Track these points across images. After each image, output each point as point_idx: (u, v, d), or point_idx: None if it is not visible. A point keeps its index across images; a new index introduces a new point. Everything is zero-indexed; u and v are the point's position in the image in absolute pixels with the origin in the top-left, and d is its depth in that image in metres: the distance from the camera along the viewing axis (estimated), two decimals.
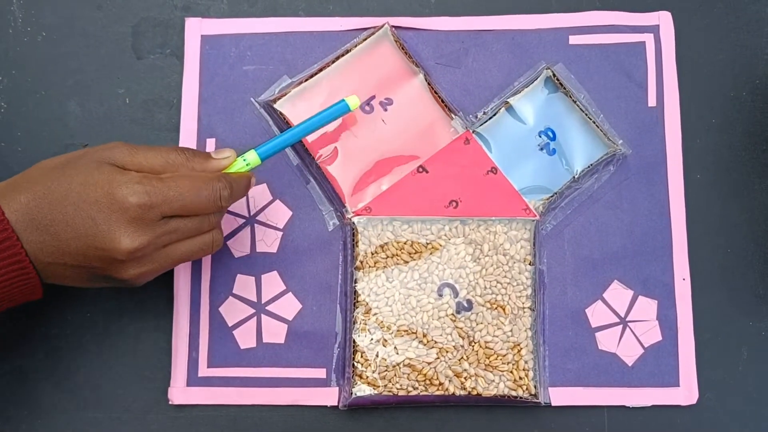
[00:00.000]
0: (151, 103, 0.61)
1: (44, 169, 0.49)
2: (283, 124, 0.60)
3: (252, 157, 0.53)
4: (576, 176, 0.59)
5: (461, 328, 0.57)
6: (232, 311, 0.58)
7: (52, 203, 0.47)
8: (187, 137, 0.60)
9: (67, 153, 0.50)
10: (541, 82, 0.60)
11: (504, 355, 0.56)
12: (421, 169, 0.59)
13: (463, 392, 0.56)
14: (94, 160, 0.49)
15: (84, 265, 0.48)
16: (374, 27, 0.61)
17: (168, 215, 0.48)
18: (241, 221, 0.59)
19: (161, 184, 0.48)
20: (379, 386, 0.56)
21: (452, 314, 0.57)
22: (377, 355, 0.56)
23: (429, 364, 0.56)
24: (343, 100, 0.55)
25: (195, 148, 0.59)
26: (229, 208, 0.59)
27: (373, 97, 0.60)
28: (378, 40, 0.61)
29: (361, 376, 0.56)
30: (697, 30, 0.62)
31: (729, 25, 0.62)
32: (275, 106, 0.59)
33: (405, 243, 0.58)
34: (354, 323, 0.57)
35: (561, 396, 0.57)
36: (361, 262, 0.58)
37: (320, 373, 0.57)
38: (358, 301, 0.57)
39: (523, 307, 0.57)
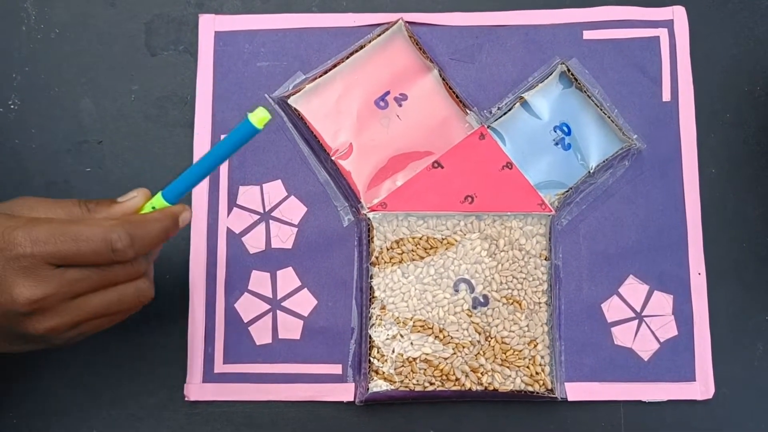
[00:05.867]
0: (164, 99, 0.61)
1: None
2: (298, 120, 0.60)
3: (159, 202, 0.47)
4: (591, 171, 0.59)
5: (477, 324, 0.57)
6: (247, 307, 0.58)
7: None
8: (202, 134, 0.60)
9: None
10: (555, 78, 0.60)
11: (520, 351, 0.56)
12: (436, 165, 0.59)
13: (479, 387, 0.56)
14: None
15: None
16: (388, 23, 0.61)
17: (54, 264, 0.43)
18: (256, 217, 0.59)
19: (46, 230, 0.43)
20: (395, 382, 0.56)
21: (468, 310, 0.57)
22: (393, 351, 0.56)
23: (445, 359, 0.56)
24: (246, 120, 0.44)
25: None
26: (245, 205, 0.59)
27: (388, 93, 0.60)
28: (392, 36, 0.60)
29: (377, 372, 0.56)
30: (711, 25, 0.62)
31: (743, 19, 0.62)
32: (289, 102, 0.59)
33: (420, 238, 0.58)
34: (370, 319, 0.57)
35: (577, 391, 0.57)
36: (377, 258, 0.57)
37: (336, 368, 0.57)
38: (373, 297, 0.57)
39: (539, 303, 0.57)
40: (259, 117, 0.44)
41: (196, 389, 0.57)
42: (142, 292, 0.47)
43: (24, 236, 0.43)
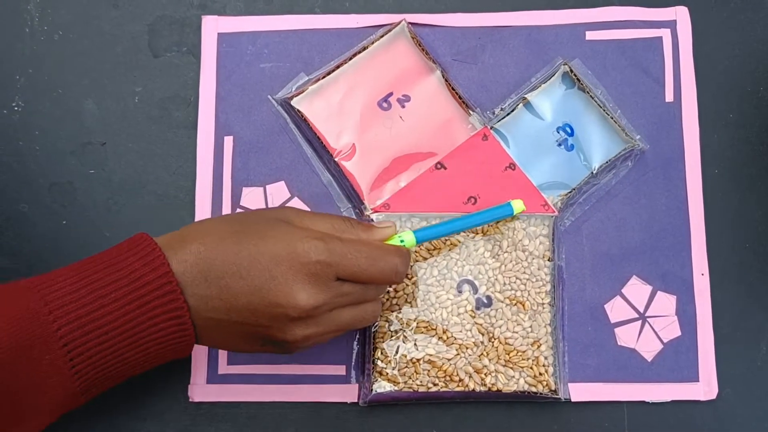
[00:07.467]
0: (167, 101, 0.61)
1: (213, 221, 0.49)
2: (301, 121, 0.60)
3: (408, 238, 0.52)
4: (594, 172, 0.59)
5: (481, 325, 0.57)
6: None
7: (225, 254, 0.45)
8: (205, 135, 0.60)
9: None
10: (558, 78, 0.60)
11: (524, 351, 0.56)
12: (439, 166, 0.59)
13: (483, 388, 0.56)
14: (266, 217, 0.48)
15: (249, 322, 0.46)
16: (391, 24, 0.61)
17: (341, 277, 0.47)
18: None
19: (341, 245, 0.46)
20: (399, 383, 0.56)
21: (472, 310, 0.57)
22: (397, 352, 0.56)
23: (449, 360, 0.56)
24: (509, 204, 0.56)
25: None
26: (248, 206, 0.59)
27: (391, 94, 0.60)
28: (395, 37, 0.61)
29: (381, 373, 0.56)
30: (714, 25, 0.62)
31: (746, 19, 0.62)
32: (292, 103, 0.59)
33: None
34: None
35: (580, 391, 0.57)
36: None
37: (340, 369, 0.57)
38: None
39: (543, 303, 0.57)
40: (517, 206, 0.56)
41: (200, 390, 0.57)
42: (376, 311, 0.51)
43: (322, 247, 0.46)
